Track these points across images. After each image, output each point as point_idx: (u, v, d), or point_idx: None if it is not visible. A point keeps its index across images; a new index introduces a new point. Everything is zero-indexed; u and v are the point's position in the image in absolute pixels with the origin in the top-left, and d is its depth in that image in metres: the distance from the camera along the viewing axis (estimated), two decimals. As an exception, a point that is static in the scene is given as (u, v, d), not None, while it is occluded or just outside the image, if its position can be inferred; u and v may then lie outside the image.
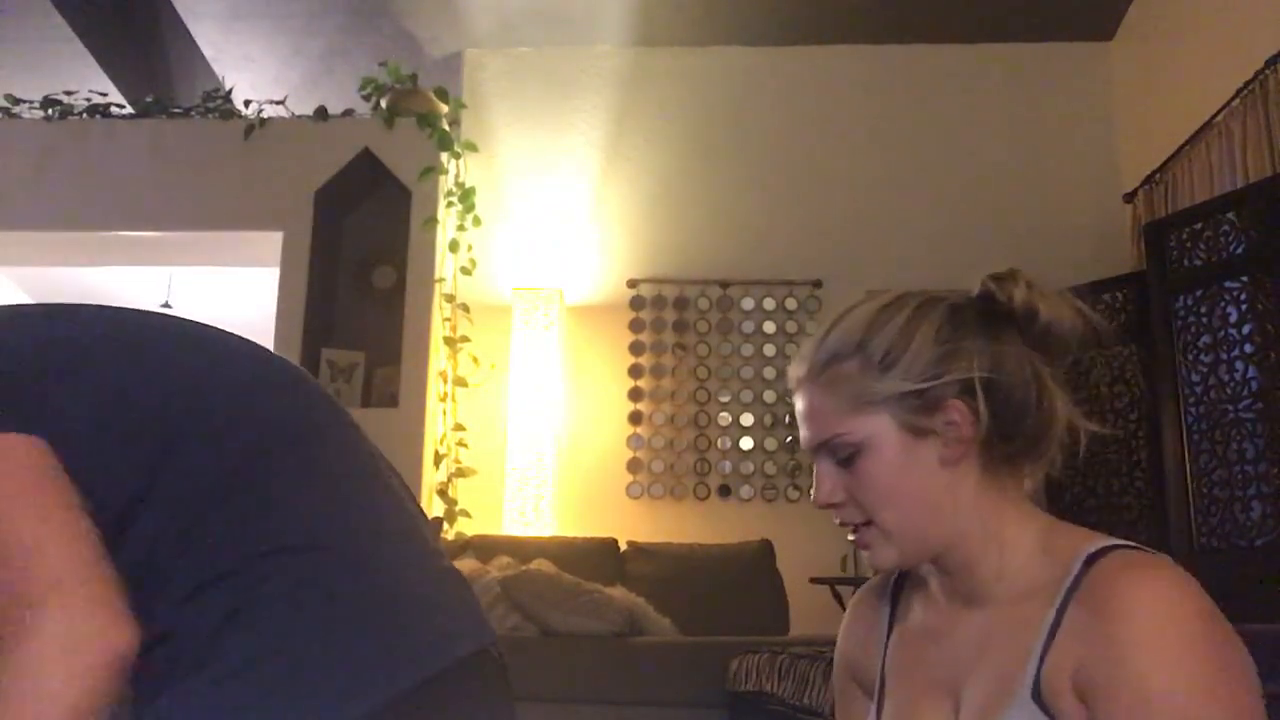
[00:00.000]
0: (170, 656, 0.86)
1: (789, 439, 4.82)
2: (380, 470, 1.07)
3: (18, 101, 4.81)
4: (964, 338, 0.98)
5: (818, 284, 4.94)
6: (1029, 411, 0.98)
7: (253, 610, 0.88)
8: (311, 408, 1.06)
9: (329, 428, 1.06)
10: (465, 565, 3.49)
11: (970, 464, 0.98)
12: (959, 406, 0.96)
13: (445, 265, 4.74)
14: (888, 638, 1.10)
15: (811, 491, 1.04)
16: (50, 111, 4.78)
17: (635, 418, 4.89)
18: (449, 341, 4.71)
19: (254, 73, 5.32)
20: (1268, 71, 3.58)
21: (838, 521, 1.02)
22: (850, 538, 1.03)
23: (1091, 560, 0.92)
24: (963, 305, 1.01)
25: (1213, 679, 0.85)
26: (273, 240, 4.64)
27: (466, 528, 4.51)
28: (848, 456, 0.98)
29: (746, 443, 4.83)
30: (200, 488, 0.92)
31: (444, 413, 4.67)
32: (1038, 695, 0.90)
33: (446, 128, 4.74)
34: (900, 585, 1.13)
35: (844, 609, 3.73)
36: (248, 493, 0.94)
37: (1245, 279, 3.36)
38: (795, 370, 1.04)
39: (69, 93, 4.79)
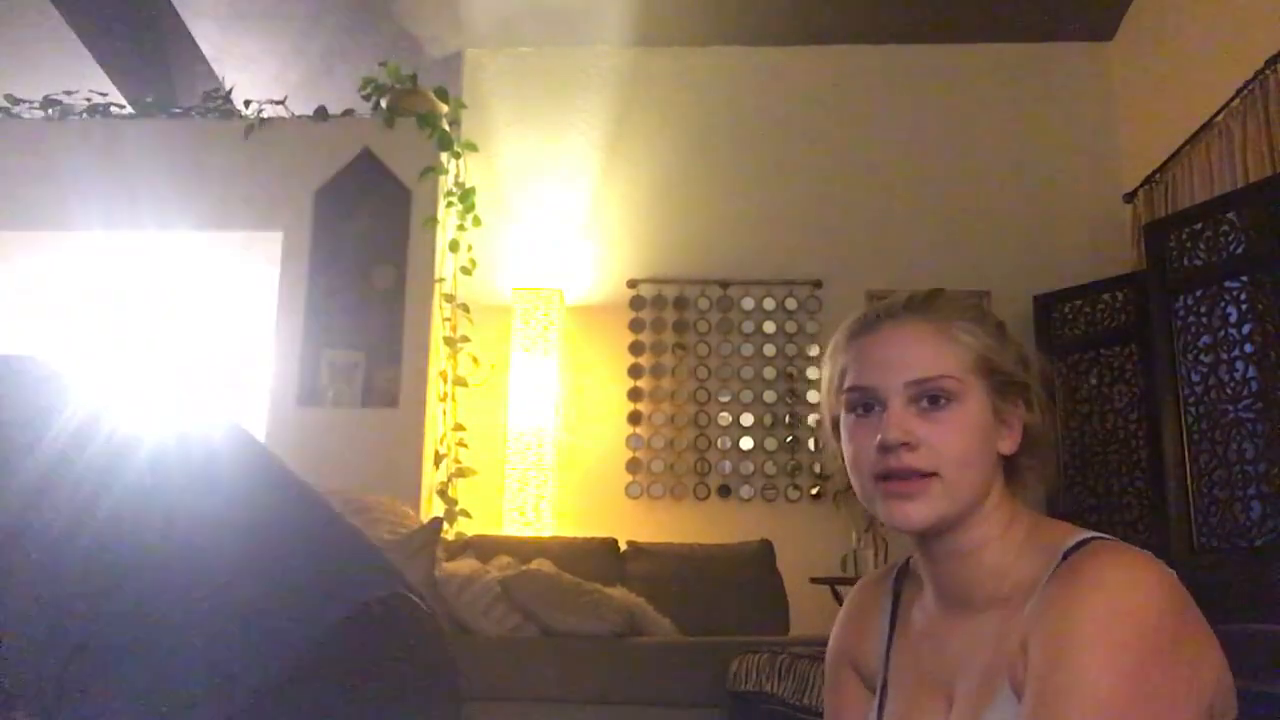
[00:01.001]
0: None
1: (789, 439, 4.82)
2: (297, 477, 1.09)
3: (18, 101, 4.81)
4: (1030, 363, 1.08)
5: (818, 284, 4.94)
6: (1048, 442, 1.07)
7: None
8: (251, 435, 1.08)
9: (263, 449, 1.07)
10: (465, 565, 3.49)
11: (1000, 465, 1.05)
12: (1021, 406, 1.04)
13: (445, 265, 4.74)
14: (890, 637, 1.12)
15: (875, 438, 1.01)
16: (50, 111, 4.78)
17: (635, 418, 4.89)
18: (449, 341, 4.71)
19: (254, 73, 5.32)
20: (1268, 71, 3.58)
21: (892, 466, 1.00)
22: (893, 486, 1.00)
23: (1070, 554, 0.95)
24: None
25: (1136, 678, 0.86)
26: (273, 240, 4.64)
27: (466, 528, 4.51)
28: (941, 401, 1.00)
29: (746, 443, 4.84)
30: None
31: (444, 413, 4.67)
32: (1016, 686, 0.93)
33: (446, 128, 4.74)
34: (900, 586, 1.15)
35: (844, 609, 3.64)
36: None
37: (1245, 279, 3.36)
38: (887, 310, 1.05)
39: (69, 93, 4.79)
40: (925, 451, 0.99)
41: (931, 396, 1.00)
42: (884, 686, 1.10)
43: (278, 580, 0.92)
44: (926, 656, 1.05)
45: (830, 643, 1.20)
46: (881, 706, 1.09)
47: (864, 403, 1.03)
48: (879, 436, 1.00)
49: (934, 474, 0.99)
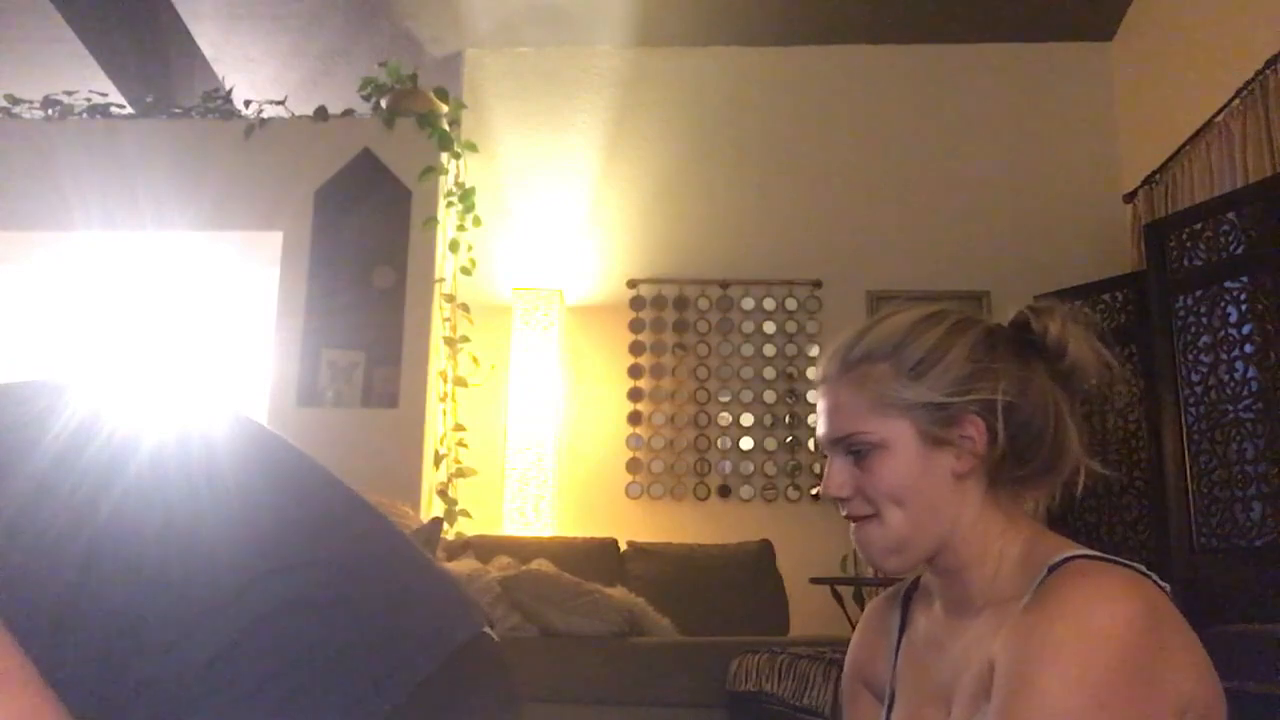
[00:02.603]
0: (162, 697, 0.85)
1: (789, 439, 4.82)
2: (333, 476, 1.08)
3: (18, 101, 4.81)
4: (994, 360, 1.03)
5: (818, 284, 4.95)
6: (1044, 441, 1.03)
7: (255, 635, 0.88)
8: (267, 432, 1.06)
9: (282, 447, 1.06)
10: (465, 565, 3.49)
11: (978, 479, 1.03)
12: (978, 424, 1.01)
13: (445, 265, 4.74)
14: (898, 647, 1.14)
15: (820, 487, 1.09)
16: (50, 111, 4.78)
17: (635, 418, 4.89)
18: (449, 341, 4.71)
19: (254, 73, 5.32)
20: (1268, 71, 3.58)
21: (844, 514, 1.06)
22: (853, 529, 1.06)
23: (1055, 568, 0.95)
24: (997, 330, 1.06)
25: (1096, 700, 0.86)
26: (273, 240, 4.64)
27: (466, 528, 4.51)
28: (863, 454, 1.03)
29: (746, 443, 4.84)
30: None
31: (444, 413, 4.67)
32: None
33: (446, 128, 4.74)
34: (910, 597, 1.17)
35: (844, 609, 3.75)
36: (235, 525, 0.93)
37: (1245, 279, 3.36)
38: (823, 366, 1.08)
39: (69, 93, 4.80)
40: (859, 499, 1.04)
41: (853, 450, 1.04)
42: (892, 695, 1.12)
43: (357, 619, 0.91)
44: (929, 664, 1.07)
45: (845, 662, 1.22)
46: (889, 714, 1.11)
47: (821, 450, 1.10)
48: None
49: (873, 515, 1.03)
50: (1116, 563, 0.94)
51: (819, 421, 1.08)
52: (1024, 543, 1.02)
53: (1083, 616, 0.88)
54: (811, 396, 4.82)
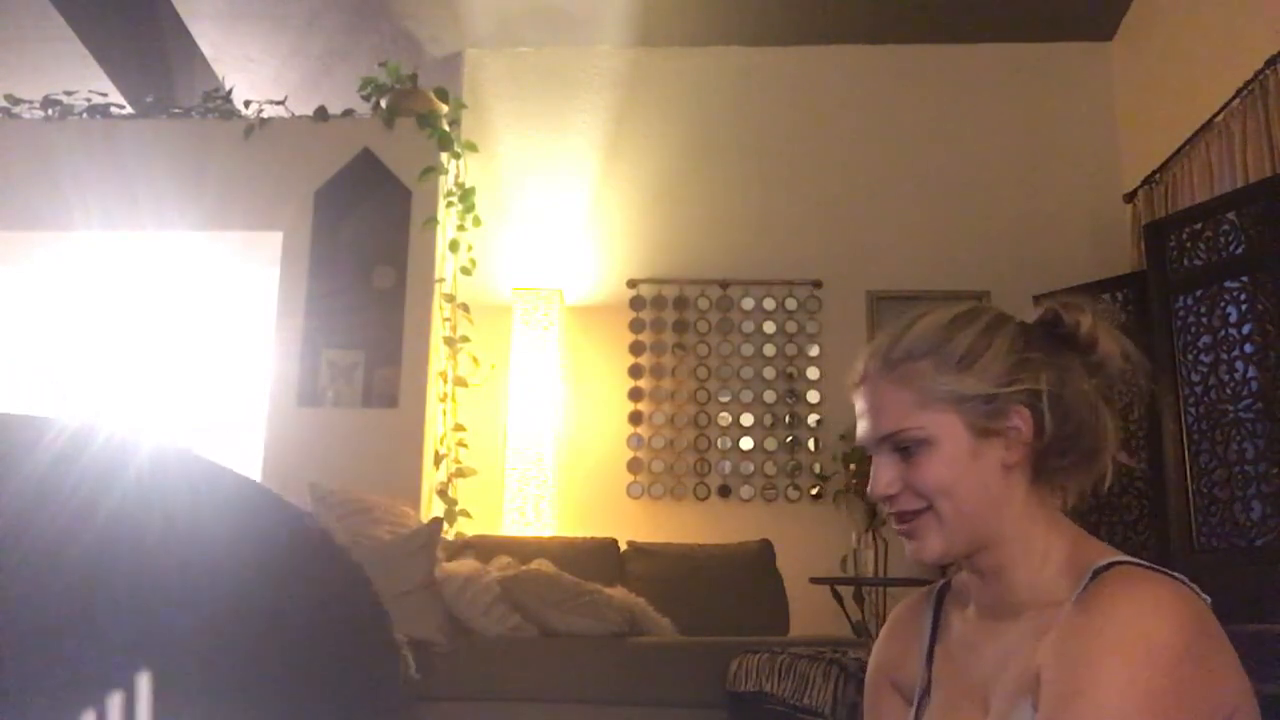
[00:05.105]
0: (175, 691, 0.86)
1: (789, 439, 4.82)
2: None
3: (18, 101, 4.81)
4: (1034, 351, 1.05)
5: (818, 284, 4.95)
6: (1085, 431, 1.05)
7: (248, 641, 0.88)
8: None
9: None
10: (465, 565, 3.49)
11: (1023, 473, 1.04)
12: (1024, 414, 1.03)
13: (445, 265, 4.74)
14: (930, 649, 1.14)
15: (868, 488, 1.09)
16: (50, 111, 4.78)
17: (635, 418, 4.89)
18: (449, 341, 4.71)
19: (254, 73, 5.32)
20: (1268, 71, 3.58)
21: (890, 511, 1.07)
22: (899, 528, 1.07)
23: (1099, 573, 0.96)
24: (1030, 325, 1.08)
25: (1150, 705, 0.87)
26: (272, 240, 4.64)
27: (466, 528, 4.51)
28: (911, 450, 1.03)
29: (746, 443, 4.84)
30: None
31: (444, 413, 4.67)
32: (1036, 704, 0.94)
33: (446, 128, 4.74)
34: (941, 602, 1.17)
35: (844, 609, 3.74)
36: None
37: (1245, 279, 3.36)
38: (863, 365, 1.09)
39: (69, 93, 4.79)
40: (909, 494, 1.05)
41: (901, 446, 1.04)
42: (924, 694, 1.12)
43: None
44: (965, 663, 1.08)
45: (870, 661, 1.22)
46: (919, 712, 1.11)
47: (866, 450, 1.10)
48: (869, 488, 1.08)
49: (927, 508, 1.04)
50: (1161, 572, 0.95)
51: (860, 422, 1.08)
52: (1068, 545, 1.03)
53: (1134, 624, 0.89)
54: (812, 396, 4.82)
